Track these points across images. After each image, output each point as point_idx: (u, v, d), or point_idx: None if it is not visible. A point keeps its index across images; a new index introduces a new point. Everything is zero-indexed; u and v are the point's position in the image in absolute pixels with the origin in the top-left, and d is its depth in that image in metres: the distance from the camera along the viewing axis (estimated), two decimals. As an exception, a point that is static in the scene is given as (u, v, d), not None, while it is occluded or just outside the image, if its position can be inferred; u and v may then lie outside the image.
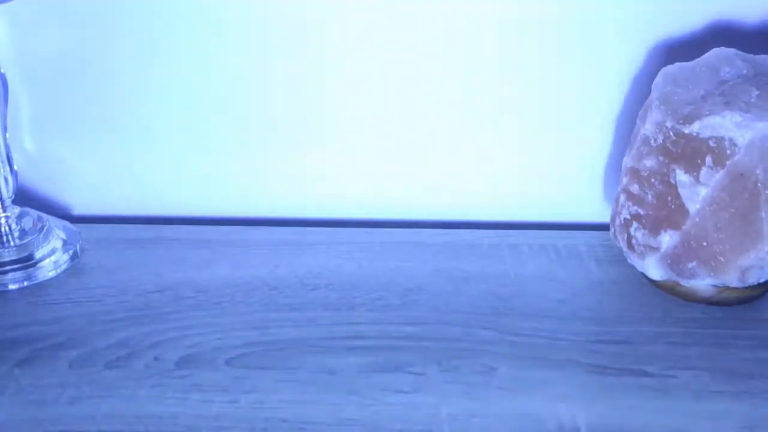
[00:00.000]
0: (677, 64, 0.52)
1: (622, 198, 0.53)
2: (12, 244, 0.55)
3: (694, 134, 0.47)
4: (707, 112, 0.47)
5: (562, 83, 0.58)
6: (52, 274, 0.55)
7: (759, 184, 0.47)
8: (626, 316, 0.51)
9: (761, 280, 0.50)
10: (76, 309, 0.52)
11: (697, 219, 0.49)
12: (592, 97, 0.59)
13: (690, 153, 0.48)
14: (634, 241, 0.52)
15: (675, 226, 0.50)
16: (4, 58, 0.56)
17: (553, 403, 0.45)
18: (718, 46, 0.52)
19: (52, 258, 0.55)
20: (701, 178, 0.48)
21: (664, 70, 0.52)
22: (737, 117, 0.46)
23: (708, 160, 0.47)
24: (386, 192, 0.63)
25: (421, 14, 0.56)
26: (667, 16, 0.56)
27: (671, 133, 0.48)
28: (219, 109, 0.60)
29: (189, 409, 0.44)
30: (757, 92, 0.47)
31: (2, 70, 0.53)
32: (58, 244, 0.57)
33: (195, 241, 0.59)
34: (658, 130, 0.49)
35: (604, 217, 0.59)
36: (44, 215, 0.58)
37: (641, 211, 0.51)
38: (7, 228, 0.56)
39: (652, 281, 0.53)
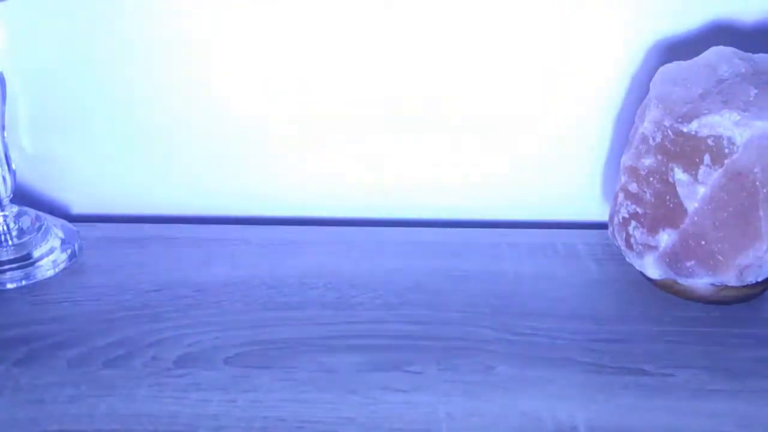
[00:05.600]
0: (675, 63, 0.52)
1: (621, 197, 0.53)
2: (10, 243, 0.55)
3: (693, 133, 0.47)
4: (705, 111, 0.47)
5: (561, 82, 0.58)
6: (50, 273, 0.55)
7: (757, 183, 0.47)
8: (624, 315, 0.51)
9: (759, 279, 0.50)
10: (74, 308, 0.52)
11: (696, 218, 0.49)
12: (590, 95, 0.59)
13: (688, 152, 0.48)
14: (632, 239, 0.52)
15: (673, 224, 0.50)
16: (2, 57, 0.56)
17: (551, 401, 0.45)
18: (717, 44, 0.52)
19: (50, 257, 0.55)
20: (699, 177, 0.48)
21: (662, 68, 0.52)
22: (735, 116, 0.46)
23: (706, 158, 0.47)
24: (385, 191, 0.63)
25: (421, 13, 0.56)
26: (666, 14, 0.56)
27: (670, 132, 0.48)
28: (219, 108, 0.60)
29: (187, 408, 0.44)
30: (755, 91, 0.47)
31: (0, 69, 0.53)
32: (57, 243, 0.56)
33: (193, 241, 0.59)
34: (656, 129, 0.49)
35: (602, 216, 0.59)
36: (42, 214, 0.58)
37: (640, 210, 0.51)
38: (5, 227, 0.56)
39: (650, 280, 0.53)
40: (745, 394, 0.45)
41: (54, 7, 0.56)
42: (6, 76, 0.54)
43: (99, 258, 0.57)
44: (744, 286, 0.51)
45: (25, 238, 0.56)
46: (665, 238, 0.50)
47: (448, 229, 0.61)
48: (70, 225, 0.59)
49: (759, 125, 0.46)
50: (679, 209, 0.49)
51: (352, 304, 0.52)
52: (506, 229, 0.61)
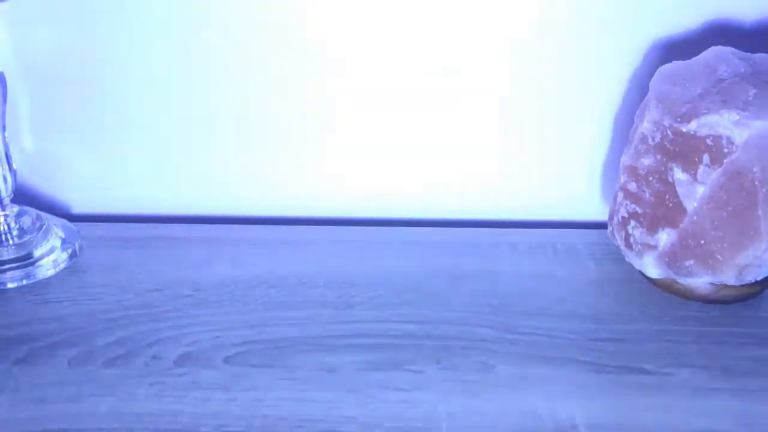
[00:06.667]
0: (675, 63, 0.52)
1: (620, 196, 0.53)
2: (11, 242, 0.55)
3: (692, 132, 0.48)
4: (705, 111, 0.47)
5: (561, 82, 0.58)
6: (50, 272, 0.55)
7: (756, 183, 0.47)
8: (624, 314, 0.51)
9: (758, 278, 0.50)
10: (74, 307, 0.52)
11: (695, 217, 0.49)
12: (590, 95, 0.59)
13: (687, 151, 0.48)
14: (632, 239, 0.52)
15: (673, 224, 0.50)
16: (3, 56, 0.57)
17: (551, 400, 0.45)
18: (716, 44, 0.52)
19: (50, 257, 0.55)
20: (699, 177, 0.48)
21: (661, 68, 0.52)
22: (735, 115, 0.46)
23: (705, 158, 0.47)
24: (385, 191, 0.63)
25: (422, 13, 0.56)
26: (665, 14, 0.56)
27: (669, 132, 0.49)
28: (219, 108, 0.60)
29: (188, 407, 0.44)
30: (754, 91, 0.47)
31: (1, 69, 0.53)
32: (57, 242, 0.57)
33: (194, 240, 0.59)
34: (655, 129, 0.49)
35: (602, 215, 0.59)
36: (43, 214, 0.58)
37: (639, 210, 0.51)
38: (6, 227, 0.56)
39: (649, 279, 0.53)
40: (744, 393, 0.45)
41: (55, 6, 0.56)
42: (7, 76, 0.54)
43: (99, 257, 0.57)
44: (743, 286, 0.51)
45: (26, 238, 0.56)
46: (664, 237, 0.50)
47: (448, 228, 0.61)
48: (70, 224, 0.59)
49: (758, 125, 0.46)
50: (679, 209, 0.49)
51: (352, 304, 0.52)
52: (506, 229, 0.61)
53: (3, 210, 0.56)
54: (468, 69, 0.58)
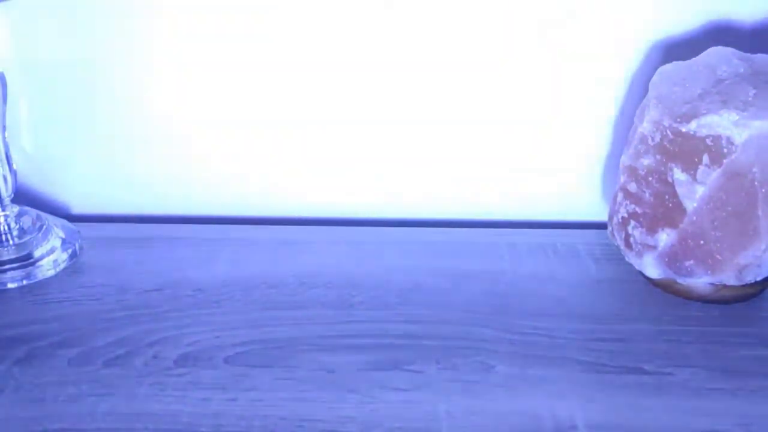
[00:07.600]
0: (675, 63, 0.52)
1: (620, 196, 0.53)
2: (11, 242, 0.55)
3: (692, 133, 0.48)
4: (704, 111, 0.47)
5: (560, 82, 0.58)
6: (51, 272, 0.55)
7: (756, 183, 0.47)
8: (624, 315, 0.51)
9: (758, 278, 0.50)
10: (75, 307, 0.52)
11: (695, 217, 0.49)
12: (590, 95, 0.59)
13: (687, 151, 0.48)
14: (631, 239, 0.52)
15: (672, 224, 0.50)
16: (3, 57, 0.57)
17: (551, 400, 0.45)
18: (716, 45, 0.52)
19: (51, 257, 0.55)
20: (698, 177, 0.48)
21: (661, 68, 0.52)
22: (734, 115, 0.46)
23: (705, 158, 0.47)
24: (385, 191, 0.63)
25: (422, 14, 0.57)
26: (665, 15, 0.56)
27: (669, 132, 0.49)
28: (218, 108, 0.60)
29: (188, 407, 0.44)
30: (754, 91, 0.47)
31: (1, 70, 0.53)
32: (57, 242, 0.57)
33: (194, 240, 0.59)
34: (655, 129, 0.49)
35: (602, 215, 0.59)
36: (43, 214, 0.58)
37: (639, 210, 0.51)
38: (6, 227, 0.56)
39: (649, 279, 0.53)
40: (744, 393, 0.45)
41: (55, 6, 0.56)
42: (7, 77, 0.54)
43: (99, 258, 0.57)
44: (743, 286, 0.51)
45: (26, 238, 0.56)
46: (664, 237, 0.50)
47: (448, 228, 0.61)
48: (70, 225, 0.59)
49: (757, 125, 0.46)
50: (678, 209, 0.49)
51: (352, 304, 0.52)
52: (506, 229, 0.61)
53: (3, 210, 0.56)
54: (467, 69, 0.58)
